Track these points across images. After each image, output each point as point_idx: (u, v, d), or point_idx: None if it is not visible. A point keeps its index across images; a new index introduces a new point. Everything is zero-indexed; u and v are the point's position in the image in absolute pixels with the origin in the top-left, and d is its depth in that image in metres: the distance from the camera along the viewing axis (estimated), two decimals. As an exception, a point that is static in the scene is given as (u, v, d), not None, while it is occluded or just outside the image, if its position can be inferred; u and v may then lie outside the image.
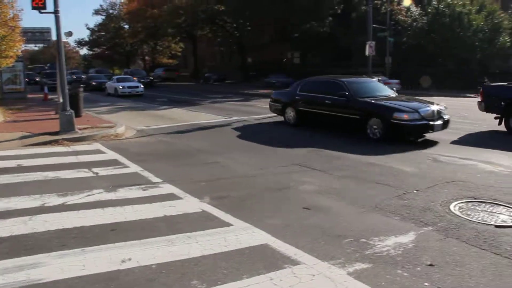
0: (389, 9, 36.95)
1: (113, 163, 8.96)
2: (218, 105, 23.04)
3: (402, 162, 8.91)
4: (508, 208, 5.99)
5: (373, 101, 11.81)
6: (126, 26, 69.40)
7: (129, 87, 30.60)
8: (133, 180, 7.57)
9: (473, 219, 5.59)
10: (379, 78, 24.60)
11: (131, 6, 58.76)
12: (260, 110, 19.52)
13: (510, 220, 5.57)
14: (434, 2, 40.04)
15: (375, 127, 11.26)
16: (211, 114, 18.02)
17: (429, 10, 39.42)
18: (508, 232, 5.21)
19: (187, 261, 4.40)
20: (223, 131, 13.62)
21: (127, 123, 14.85)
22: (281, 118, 14.99)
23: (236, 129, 14.01)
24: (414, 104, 11.51)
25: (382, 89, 13.21)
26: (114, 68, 75.89)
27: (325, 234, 5.12)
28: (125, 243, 4.82)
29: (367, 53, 24.98)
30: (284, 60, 51.13)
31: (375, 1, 31.73)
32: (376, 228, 5.26)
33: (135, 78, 35.15)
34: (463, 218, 5.64)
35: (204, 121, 15.87)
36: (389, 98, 12.29)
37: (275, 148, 10.66)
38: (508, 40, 39.12)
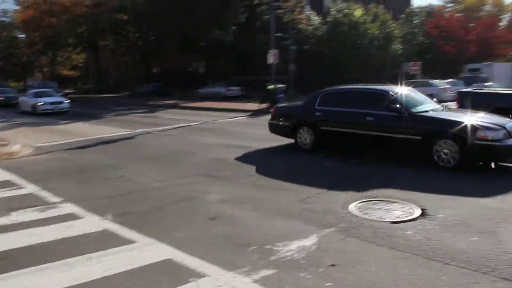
0: (291, 18, 38.23)
1: (6, 184, 8.32)
2: (122, 118, 22.39)
3: (298, 166, 9.25)
4: (401, 204, 6.40)
5: (442, 117, 9.20)
6: (22, 36, 65.16)
7: (51, 103, 25.54)
8: (29, 201, 7.08)
9: (371, 218, 5.90)
10: (280, 85, 25.32)
11: (27, 14, 55.26)
12: (164, 122, 19.25)
13: (403, 216, 5.95)
14: (333, 11, 42.17)
15: (446, 150, 8.57)
16: (115, 127, 17.43)
17: (329, 19, 41.45)
18: (402, 226, 5.56)
19: (88, 284, 4.20)
20: (127, 144, 13.24)
21: (24, 140, 13.90)
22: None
23: (141, 140, 13.70)
24: (493, 118, 9.06)
25: (427, 100, 10.50)
26: (9, 81, 70.84)
27: (230, 243, 5.13)
28: (19, 271, 4.48)
29: (270, 61, 25.58)
30: (190, 69, 50.98)
31: (278, 11, 32.64)
32: (280, 234, 5.36)
33: None
34: (362, 217, 5.93)
35: (107, 134, 15.31)
36: (452, 111, 10.06)
37: (180, 158, 10.56)
38: (400, 47, 42.19)
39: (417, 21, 51.07)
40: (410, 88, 11.14)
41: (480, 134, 8.28)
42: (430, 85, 30.19)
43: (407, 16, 51.94)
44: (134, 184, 8.15)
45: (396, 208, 6.29)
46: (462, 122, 8.60)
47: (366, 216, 5.95)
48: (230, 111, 23.95)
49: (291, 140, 11.55)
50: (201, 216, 6.15)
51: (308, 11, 44.23)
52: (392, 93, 9.72)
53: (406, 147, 9.29)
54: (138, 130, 16.21)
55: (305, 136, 10.99)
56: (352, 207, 6.34)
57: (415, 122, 9.10)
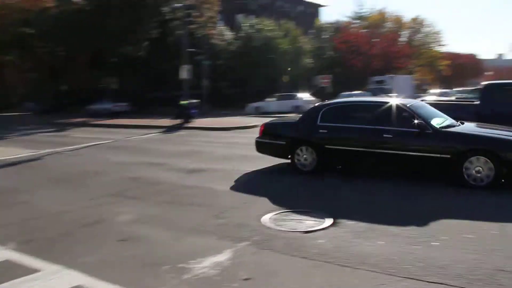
0: (204, 33, 38.41)
1: None
2: (27, 138, 21.02)
3: (216, 181, 9.23)
4: (314, 214, 6.55)
5: (473, 133, 8.69)
6: None
7: None
8: None
9: (284, 229, 5.98)
10: (193, 100, 25.29)
11: None
12: (74, 140, 18.32)
13: (315, 225, 6.09)
14: (245, 27, 42.98)
15: (478, 169, 7.98)
16: (18, 148, 16.29)
17: (241, 34, 42.19)
18: (314, 236, 5.71)
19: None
20: (32, 166, 12.42)
21: None
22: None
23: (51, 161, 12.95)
24: None
25: (441, 114, 9.66)
26: None
27: (143, 264, 4.96)
28: None
29: (183, 76, 25.51)
30: (102, 85, 49.31)
31: (190, 26, 32.70)
32: (194, 251, 5.27)
33: None
34: (275, 229, 6.00)
35: (9, 156, 14.27)
36: (475, 126, 9.37)
37: (89, 179, 10.10)
38: (310, 62, 43.82)
39: (326, 36, 53.37)
40: (420, 101, 10.36)
41: None
42: (295, 97, 32.99)
43: (316, 32, 54.14)
44: (39, 208, 7.63)
45: (308, 218, 6.43)
46: (497, 138, 8.29)
47: (279, 228, 6.03)
48: (143, 127, 23.43)
49: (212, 156, 11.45)
50: (113, 239, 5.89)
51: (221, 27, 44.70)
52: (411, 107, 9.01)
53: (430, 166, 8.57)
54: (45, 151, 15.30)
55: (305, 156, 9.72)
56: (266, 219, 6.39)
57: (441, 138, 8.45)
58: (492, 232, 5.72)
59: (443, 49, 70.07)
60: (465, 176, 8.05)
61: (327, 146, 9.46)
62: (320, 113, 9.81)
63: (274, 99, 34.28)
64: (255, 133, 17.78)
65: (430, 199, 7.52)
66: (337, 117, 9.69)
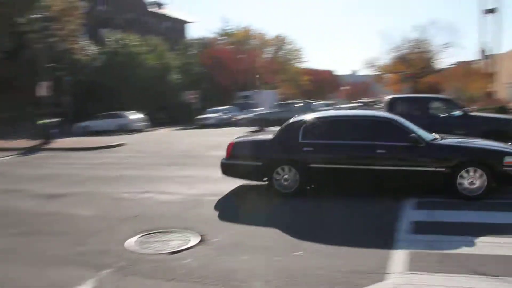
0: (66, 47, 36.33)
1: None
2: None
3: (79, 206, 8.80)
4: (179, 234, 6.55)
5: (467, 145, 8.78)
6: None
7: None
8: None
9: (149, 252, 5.87)
10: (53, 119, 23.78)
11: None
12: None
13: (181, 245, 6.07)
14: (110, 41, 41.62)
15: (471, 180, 8.08)
16: None
17: (106, 49, 40.81)
18: (180, 256, 5.69)
19: None
20: None
21: None
22: None
23: None
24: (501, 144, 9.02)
25: (418, 128, 9.15)
26: None
27: (-8, 306, 4.52)
28: None
29: (41, 93, 23.80)
30: None
31: (50, 39, 30.75)
32: (54, 285, 4.94)
33: None
34: (140, 252, 5.87)
35: None
36: (461, 138, 9.49)
37: None
38: (178, 77, 43.83)
39: (193, 52, 53.80)
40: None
41: (509, 160, 8.05)
42: (122, 116, 33.63)
43: (183, 47, 54.30)
44: None
45: (174, 238, 6.39)
46: (489, 149, 8.50)
47: (144, 251, 5.91)
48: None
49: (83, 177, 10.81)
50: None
51: (85, 41, 42.65)
52: (399, 120, 8.88)
53: (424, 179, 8.45)
54: None
55: (286, 177, 8.90)
56: (131, 243, 6.22)
57: (434, 151, 8.46)
58: (347, 237, 6.23)
59: (304, 66, 74.71)
60: (458, 188, 8.13)
61: (313, 165, 8.80)
62: (301, 129, 9.05)
63: (101, 118, 33.64)
64: (118, 152, 17.39)
65: (303, 210, 7.93)
66: (322, 133, 9.07)
